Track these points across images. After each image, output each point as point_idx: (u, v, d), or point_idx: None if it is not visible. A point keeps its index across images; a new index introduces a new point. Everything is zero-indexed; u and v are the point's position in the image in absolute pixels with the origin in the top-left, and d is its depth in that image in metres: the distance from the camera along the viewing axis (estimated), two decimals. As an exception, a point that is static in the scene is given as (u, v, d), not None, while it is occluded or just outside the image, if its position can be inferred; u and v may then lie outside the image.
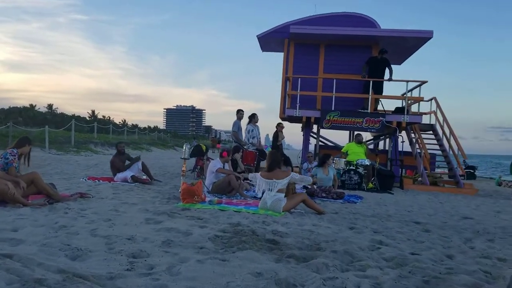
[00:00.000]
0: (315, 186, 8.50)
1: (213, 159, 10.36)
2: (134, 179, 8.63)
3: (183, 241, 3.76)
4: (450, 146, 13.05)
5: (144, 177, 9.25)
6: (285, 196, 6.11)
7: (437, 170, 14.85)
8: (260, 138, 11.48)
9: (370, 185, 11.05)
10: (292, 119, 13.80)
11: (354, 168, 10.88)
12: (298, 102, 12.42)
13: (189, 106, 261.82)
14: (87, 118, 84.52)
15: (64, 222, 4.34)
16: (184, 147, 7.07)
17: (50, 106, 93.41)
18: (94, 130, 30.77)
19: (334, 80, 12.33)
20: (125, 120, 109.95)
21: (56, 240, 3.52)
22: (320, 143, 14.67)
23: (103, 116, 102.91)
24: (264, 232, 4.42)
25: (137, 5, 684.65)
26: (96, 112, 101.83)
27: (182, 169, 7.06)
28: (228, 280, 2.73)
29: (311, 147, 14.21)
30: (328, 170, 8.50)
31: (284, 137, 12.40)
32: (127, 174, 8.68)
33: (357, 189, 10.59)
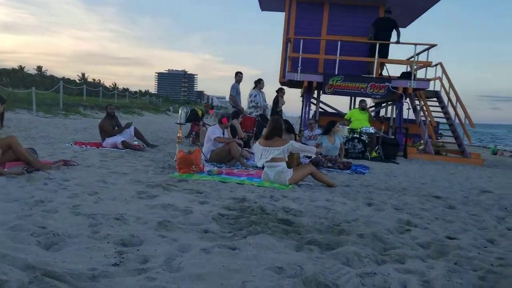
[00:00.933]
0: (320, 156, 7.92)
1: (209, 125, 9.72)
2: (125, 144, 7.98)
3: (183, 222, 3.17)
4: (457, 114, 12.48)
5: (136, 142, 8.61)
6: (289, 167, 5.54)
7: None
8: (267, 105, 10.81)
9: (374, 154, 10.52)
10: (292, 84, 13.10)
11: (358, 136, 10.31)
12: (299, 66, 11.68)
13: (181, 70, 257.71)
14: (77, 81, 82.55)
15: (42, 195, 3.72)
16: (180, 112, 6.41)
17: (39, 68, 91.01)
18: (83, 92, 29.76)
19: (339, 42, 11.57)
20: (115, 84, 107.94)
21: (29, 220, 2.91)
22: (320, 109, 14.06)
23: (93, 79, 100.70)
24: (274, 209, 3.85)
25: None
26: (86, 75, 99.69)
27: (178, 135, 6.42)
28: (243, 278, 2.16)
29: (310, 114, 13.61)
30: (334, 138, 7.90)
31: (284, 103, 11.73)
32: (117, 139, 8.02)
33: (361, 158, 10.06)
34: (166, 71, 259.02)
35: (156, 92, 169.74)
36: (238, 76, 10.14)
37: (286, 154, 5.41)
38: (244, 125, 9.34)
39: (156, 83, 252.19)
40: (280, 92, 11.47)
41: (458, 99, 12.52)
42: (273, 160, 5.32)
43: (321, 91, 12.39)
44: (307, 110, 12.44)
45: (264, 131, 5.58)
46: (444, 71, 13.25)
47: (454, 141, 12.68)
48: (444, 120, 12.99)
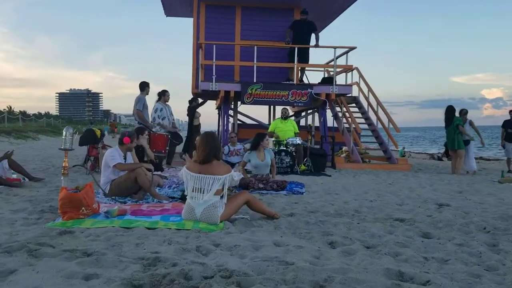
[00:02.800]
0: (249, 175, 6.69)
1: (111, 147, 8.05)
2: (-4, 180, 6.09)
3: None
4: (379, 119, 12.03)
5: (14, 176, 6.73)
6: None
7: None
8: (173, 120, 9.35)
9: (303, 167, 9.56)
10: (206, 95, 11.79)
11: (284, 148, 9.28)
12: (214, 74, 10.42)
13: (84, 89, 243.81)
14: (-38, 106, 73.47)
15: None
16: (64, 134, 4.79)
17: None
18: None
19: (255, 48, 10.52)
20: (10, 107, 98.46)
21: None
22: (238, 121, 12.93)
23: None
24: (205, 275, 2.50)
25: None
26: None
27: (63, 165, 4.77)
28: None
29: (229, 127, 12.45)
30: (264, 154, 6.70)
31: (200, 115, 10.39)
32: (-15, 174, 6.11)
33: (290, 172, 9.03)
34: (68, 91, 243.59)
35: (58, 114, 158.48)
36: (145, 87, 8.58)
37: (227, 186, 4.06)
38: (154, 145, 7.85)
39: (57, 104, 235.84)
40: (194, 102, 10.08)
41: (379, 103, 12.10)
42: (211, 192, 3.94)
43: (239, 102, 11.22)
44: (225, 122, 11.20)
45: (197, 152, 4.14)
46: (361, 76, 12.84)
47: (378, 147, 12.27)
48: (366, 126, 12.49)
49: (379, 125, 12.02)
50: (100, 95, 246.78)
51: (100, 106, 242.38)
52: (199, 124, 10.28)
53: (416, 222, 4.27)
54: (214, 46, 10.42)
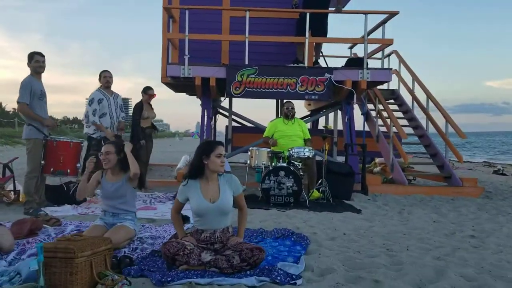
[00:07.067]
0: (188, 231, 3.22)
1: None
2: None
3: None
4: (430, 119, 8.37)
5: None
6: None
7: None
8: (122, 117, 6.06)
9: (316, 193, 6.07)
10: (183, 86, 8.41)
11: (285, 164, 5.81)
12: (187, 53, 7.06)
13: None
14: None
15: None
16: None
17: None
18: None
19: (247, 14, 7.06)
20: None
21: None
22: (234, 123, 9.59)
23: (14, 109, 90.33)
24: None
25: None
26: (3, 105, 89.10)
27: None
28: None
29: (220, 131, 9.16)
30: (218, 186, 3.15)
31: (154, 116, 7.06)
32: None
33: (293, 204, 5.56)
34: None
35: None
36: (34, 60, 5.12)
37: None
38: (51, 160, 4.54)
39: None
40: (145, 94, 6.74)
41: (430, 97, 8.46)
42: None
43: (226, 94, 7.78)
44: (205, 124, 7.81)
45: None
46: (402, 61, 9.28)
47: (429, 160, 8.64)
48: (410, 130, 8.82)
49: (431, 129, 8.38)
50: (129, 100, 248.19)
51: (129, 112, 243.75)
52: (152, 127, 6.91)
53: None
54: (187, 12, 7.05)
